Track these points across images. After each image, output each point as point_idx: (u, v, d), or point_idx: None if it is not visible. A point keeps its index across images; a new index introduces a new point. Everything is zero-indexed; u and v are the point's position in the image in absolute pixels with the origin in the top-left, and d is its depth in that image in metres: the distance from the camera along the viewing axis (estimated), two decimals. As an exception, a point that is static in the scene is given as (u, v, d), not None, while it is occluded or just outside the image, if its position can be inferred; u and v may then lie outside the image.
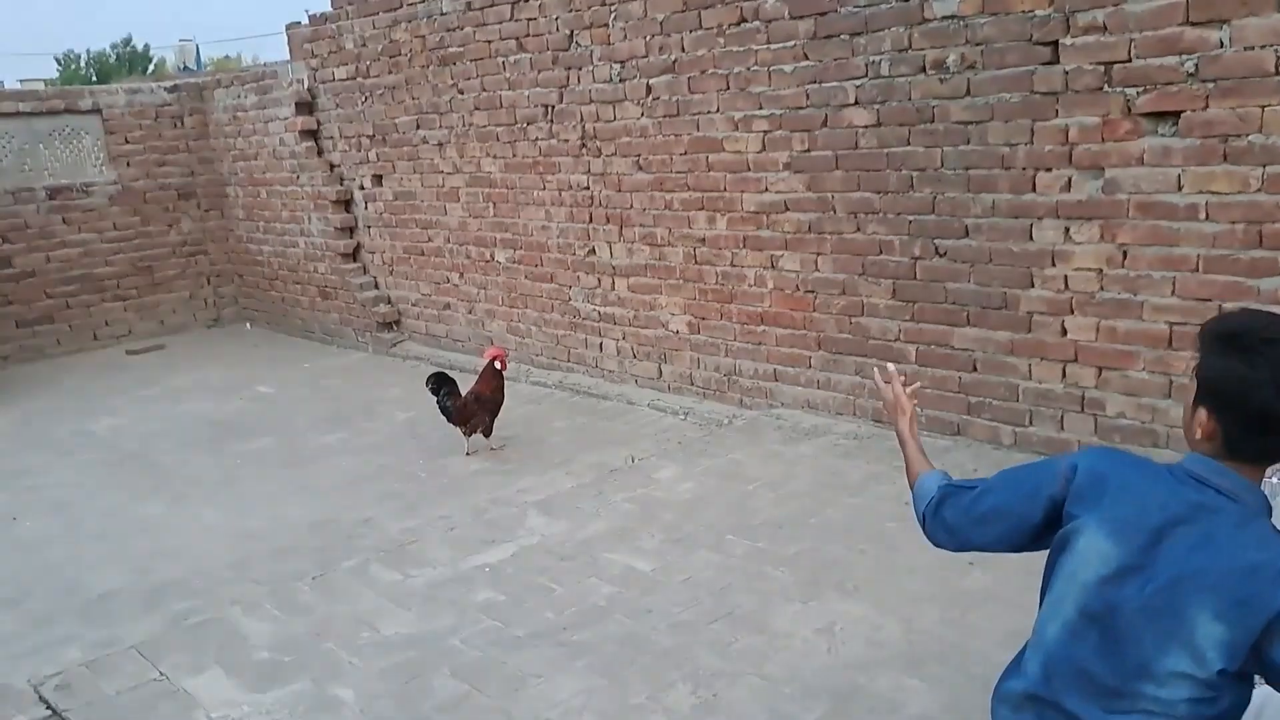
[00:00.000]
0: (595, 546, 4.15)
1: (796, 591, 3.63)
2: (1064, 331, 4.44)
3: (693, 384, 6.21)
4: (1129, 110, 4.04)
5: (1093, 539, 1.87)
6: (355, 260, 8.41)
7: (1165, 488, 1.84)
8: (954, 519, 2.12)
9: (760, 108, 5.31)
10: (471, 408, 5.26)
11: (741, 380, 5.92)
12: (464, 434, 5.32)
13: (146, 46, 51.62)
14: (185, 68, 25.20)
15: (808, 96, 5.09)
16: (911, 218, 4.85)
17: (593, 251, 6.51)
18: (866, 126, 4.91)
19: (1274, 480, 2.57)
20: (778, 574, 3.78)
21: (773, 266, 5.53)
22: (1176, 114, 3.92)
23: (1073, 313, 4.38)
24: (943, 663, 3.08)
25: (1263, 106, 3.70)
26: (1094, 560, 1.87)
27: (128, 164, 9.09)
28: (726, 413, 5.87)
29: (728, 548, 4.05)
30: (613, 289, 6.49)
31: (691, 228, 5.89)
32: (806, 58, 5.06)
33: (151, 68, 46.55)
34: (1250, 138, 3.75)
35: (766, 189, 5.42)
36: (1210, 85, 3.81)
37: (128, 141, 9.08)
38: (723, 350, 5.98)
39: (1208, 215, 3.88)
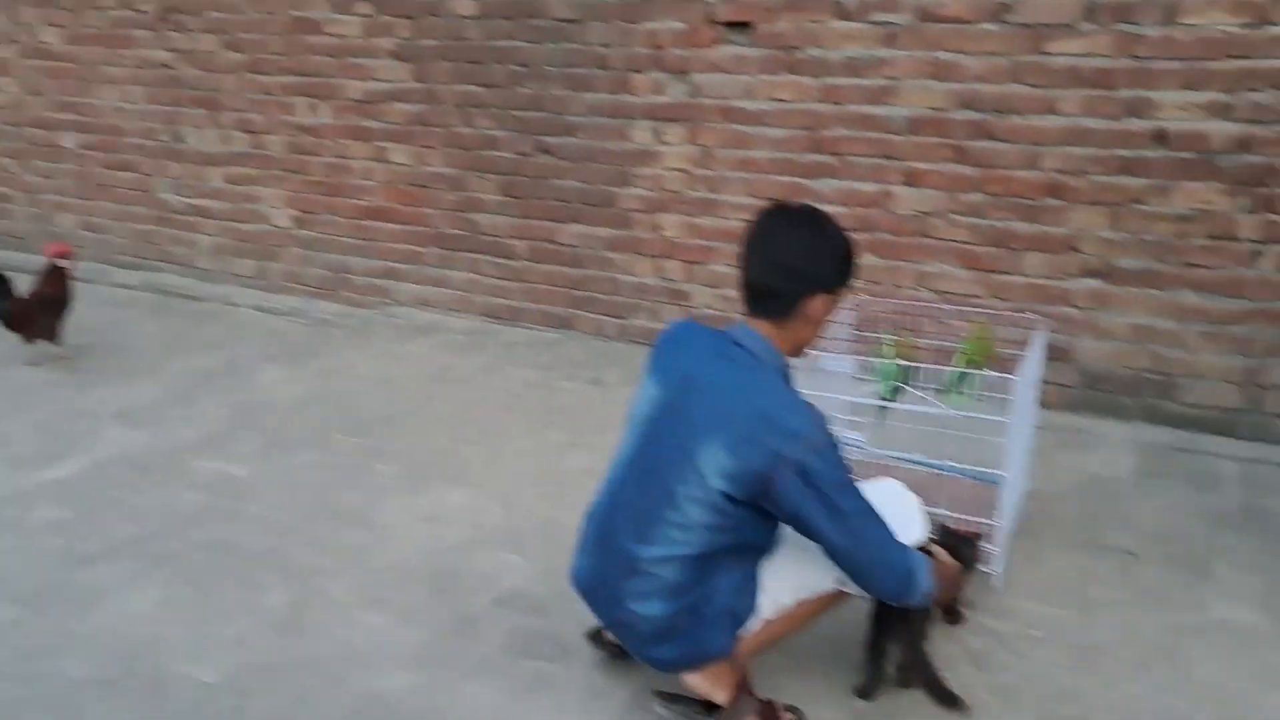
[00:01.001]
0: (184, 455, 3.87)
1: (403, 484, 3.63)
2: (657, 228, 4.72)
3: (301, 283, 5.91)
4: (711, 19, 4.31)
5: (647, 386, 2.19)
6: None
7: (709, 345, 2.14)
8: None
9: (362, -11, 5.06)
10: (31, 311, 4.64)
11: (354, 278, 5.73)
12: (25, 341, 4.69)
13: None
14: None
15: (411, -19, 4.92)
16: (519, 114, 4.89)
17: (180, 138, 5.92)
18: (472, 17, 4.84)
19: (832, 360, 2.94)
20: (384, 468, 3.76)
21: (382, 159, 5.36)
22: (752, 25, 4.24)
23: (665, 211, 4.67)
24: (540, 538, 3.23)
25: (818, 22, 4.10)
26: (644, 403, 2.17)
27: None
28: (339, 312, 5.67)
29: (333, 447, 3.95)
30: (206, 179, 5.97)
31: (292, 115, 5.53)
32: (409, -60, 4.87)
33: None
34: (810, 50, 4.15)
35: (371, 77, 5.20)
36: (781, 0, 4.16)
37: None
38: (332, 246, 5.73)
39: (775, 120, 4.27)
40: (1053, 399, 4.04)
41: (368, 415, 4.24)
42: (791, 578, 2.22)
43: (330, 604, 2.91)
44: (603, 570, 2.22)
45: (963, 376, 2.88)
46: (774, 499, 1.99)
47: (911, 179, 4.08)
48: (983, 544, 2.75)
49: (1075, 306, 3.93)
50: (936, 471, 3.17)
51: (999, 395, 2.81)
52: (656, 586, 2.12)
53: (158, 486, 3.61)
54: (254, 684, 2.57)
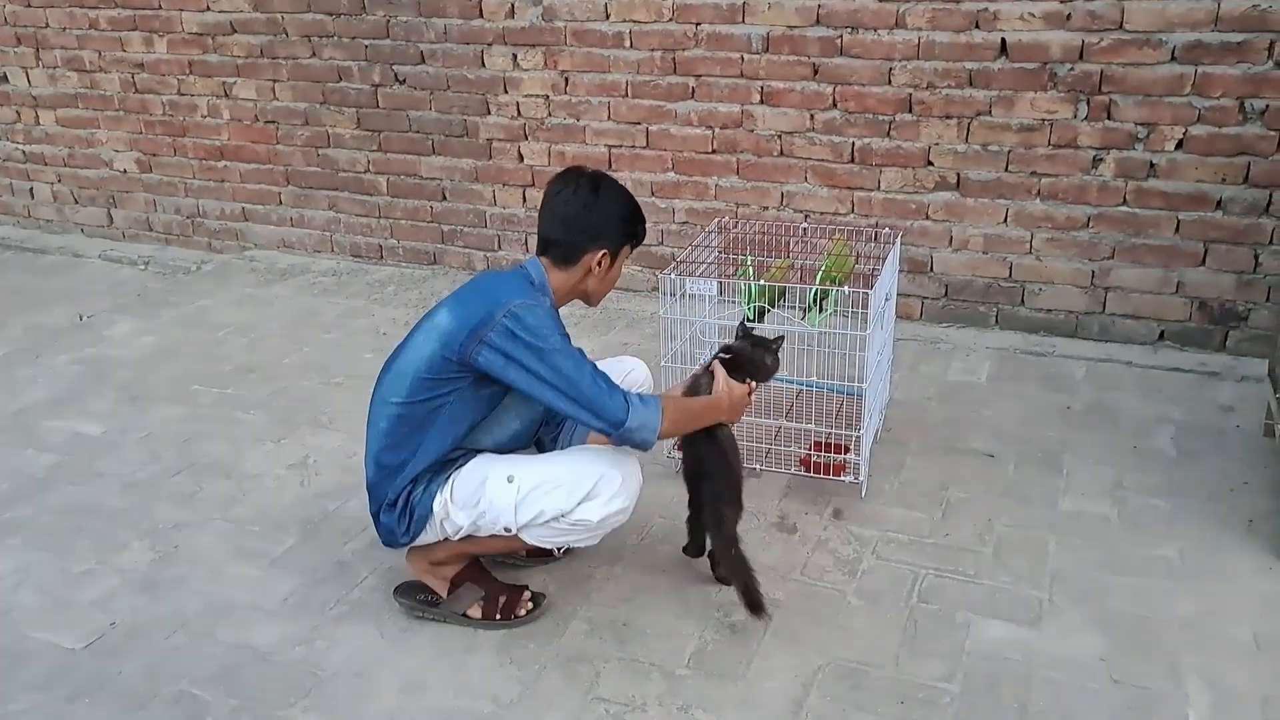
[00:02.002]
0: (32, 416, 3.67)
1: (269, 432, 3.52)
2: (521, 157, 4.63)
3: (151, 229, 5.63)
4: (563, -62, 4.20)
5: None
6: None
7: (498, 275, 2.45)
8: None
9: (191, -88, 4.74)
10: None
11: (207, 222, 5.47)
12: None
13: None
14: None
15: (245, -98, 4.63)
16: (368, 42, 4.69)
17: (4, 78, 5.50)
18: (312, -60, 4.60)
19: (697, 284, 2.95)
20: (248, 417, 3.64)
21: (227, 95, 5.09)
22: (604, -57, 4.15)
23: (527, 139, 4.58)
24: (413, 478, 3.20)
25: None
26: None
27: None
28: (193, 259, 5.42)
29: (193, 399, 3.80)
30: (37, 123, 5.59)
31: (126, 51, 5.19)
32: None
33: None
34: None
35: (208, 7, 4.91)
36: (631, -83, 4.07)
37: None
38: (181, 189, 5.46)
39: (632, 43, 4.21)
40: (915, 311, 4.17)
41: (229, 365, 4.08)
42: (472, 510, 2.34)
43: (195, 559, 2.82)
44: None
45: (823, 294, 2.93)
46: (485, 349, 2.23)
47: (770, 98, 4.09)
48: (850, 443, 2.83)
49: (932, 219, 4.04)
50: (801, 388, 3.24)
51: (859, 311, 2.87)
52: (371, 454, 2.41)
53: (5, 449, 3.42)
54: (119, 646, 2.48)
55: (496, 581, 2.56)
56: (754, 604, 2.40)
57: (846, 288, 2.84)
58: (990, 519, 2.88)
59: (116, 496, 3.14)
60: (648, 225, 2.53)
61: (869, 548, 2.77)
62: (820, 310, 2.97)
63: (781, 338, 2.70)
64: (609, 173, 2.52)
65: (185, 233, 5.54)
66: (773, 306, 2.92)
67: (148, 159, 5.47)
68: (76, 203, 5.75)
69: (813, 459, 3.01)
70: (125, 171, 5.55)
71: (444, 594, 2.53)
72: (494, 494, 2.32)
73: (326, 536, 2.91)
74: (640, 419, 2.27)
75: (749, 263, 3.07)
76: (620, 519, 2.36)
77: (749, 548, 2.50)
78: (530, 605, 2.53)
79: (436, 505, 2.36)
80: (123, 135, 5.46)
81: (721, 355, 2.58)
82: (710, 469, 2.51)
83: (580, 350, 2.33)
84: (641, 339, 4.12)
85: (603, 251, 2.38)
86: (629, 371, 2.70)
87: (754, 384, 2.58)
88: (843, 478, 2.96)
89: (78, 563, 2.81)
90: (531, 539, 2.38)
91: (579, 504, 2.30)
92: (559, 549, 2.47)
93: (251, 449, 3.41)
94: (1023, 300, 4.02)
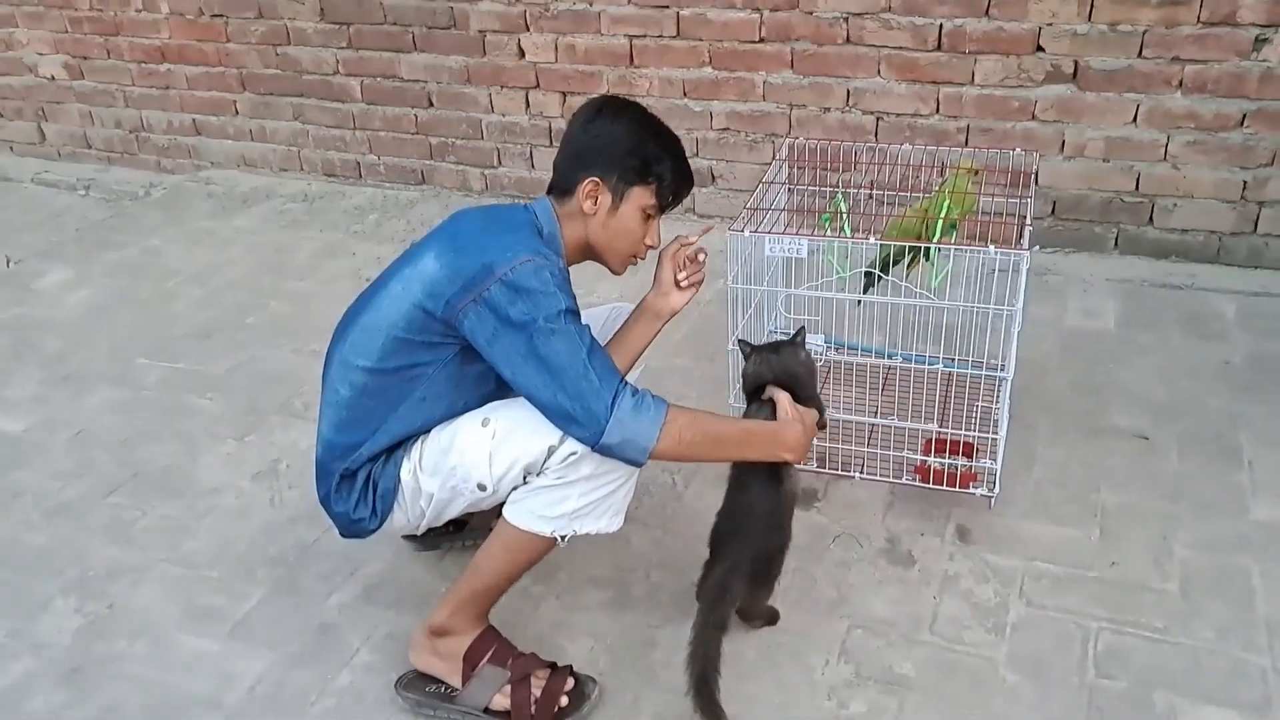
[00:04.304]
0: (-65, 408, 2.98)
1: (229, 425, 2.83)
2: (521, 52, 3.80)
3: (90, 146, 4.82)
4: None
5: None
6: None
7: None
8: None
9: None
10: None
11: (153, 137, 4.66)
12: None
13: None
14: None
15: None
16: (326, -88, 3.80)
17: (-108, -29, 4.60)
18: None
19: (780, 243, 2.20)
20: (204, 404, 2.94)
21: (161, -16, 4.21)
22: None
23: (528, 29, 3.74)
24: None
25: None
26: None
27: None
28: (141, 181, 4.63)
29: (137, 377, 3.09)
30: (-61, 25, 4.71)
31: (33, -68, 4.28)
32: None
33: None
34: None
35: (126, -127, 3.99)
36: None
37: None
38: (121, 99, 4.63)
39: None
40: (1013, 234, 3.41)
41: (181, 328, 3.36)
42: (443, 472, 1.81)
43: (134, 625, 2.16)
44: None
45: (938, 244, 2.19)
46: (476, 309, 1.72)
47: (836, -30, 3.25)
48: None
49: (1039, 120, 3.25)
50: (902, 362, 2.52)
51: (984, 257, 2.13)
52: (322, 427, 1.92)
53: (-107, 465, 2.74)
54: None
55: (524, 656, 1.92)
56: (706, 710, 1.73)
57: (994, 247, 2.09)
58: (1164, 536, 2.22)
59: (37, 529, 2.47)
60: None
61: (1014, 587, 2.11)
62: (934, 265, 2.24)
63: (802, 328, 2.00)
64: (638, 99, 2.05)
65: (129, 150, 4.73)
66: (889, 270, 2.18)
67: (77, 63, 4.61)
68: (1, 116, 4.92)
69: (930, 466, 2.31)
70: (53, 78, 4.71)
71: (459, 682, 1.89)
72: (465, 443, 1.79)
73: (304, 585, 2.25)
74: (624, 432, 1.66)
75: (842, 205, 2.30)
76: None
77: (850, 582, 1.92)
78: (574, 692, 1.89)
79: (405, 474, 1.85)
80: (45, 35, 4.60)
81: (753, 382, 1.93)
82: (750, 526, 1.87)
83: (586, 327, 1.74)
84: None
85: (592, 181, 1.85)
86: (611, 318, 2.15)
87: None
88: (972, 489, 2.28)
89: (-18, 637, 2.16)
90: (519, 516, 1.78)
91: (564, 438, 1.70)
92: (561, 536, 1.79)
93: (208, 451, 2.73)
94: (1151, 219, 3.27)
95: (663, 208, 1.92)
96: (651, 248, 1.97)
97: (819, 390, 2.03)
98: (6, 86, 4.82)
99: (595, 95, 2.04)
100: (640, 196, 1.88)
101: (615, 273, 2.00)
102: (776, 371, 1.93)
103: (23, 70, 4.75)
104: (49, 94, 4.76)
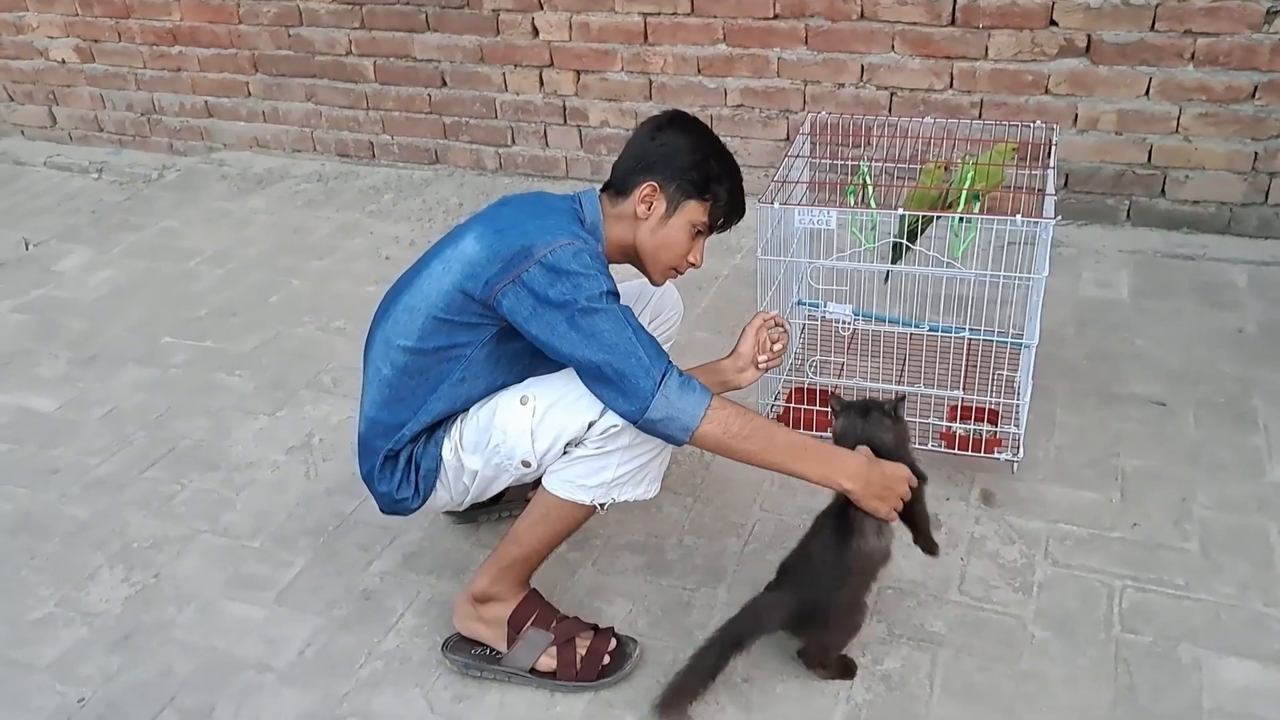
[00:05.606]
0: (-33, 388, 3.02)
1: (260, 401, 2.87)
2: (535, 31, 3.82)
3: (101, 129, 4.83)
4: None
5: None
6: None
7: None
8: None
9: None
10: None
11: (165, 119, 4.68)
12: None
13: None
14: None
15: None
16: (340, -108, 3.81)
17: (-98, -46, 4.60)
18: None
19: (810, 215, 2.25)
20: (233, 380, 2.98)
21: (173, -35, 4.22)
22: None
23: (541, 8, 3.76)
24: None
25: None
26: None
27: None
28: (154, 163, 4.65)
29: (164, 356, 3.13)
30: (-51, 8, 4.71)
31: (44, -86, 4.29)
32: None
33: None
34: None
35: None
36: None
37: None
38: (132, 82, 4.64)
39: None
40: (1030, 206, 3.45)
41: (204, 307, 3.40)
42: (485, 450, 1.86)
43: (181, 593, 2.22)
44: None
45: (965, 216, 2.23)
46: (514, 289, 1.75)
47: (850, -54, 3.28)
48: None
49: (1053, 94, 3.28)
50: (932, 333, 2.57)
51: (1005, 228, 2.18)
52: (366, 405, 1.97)
53: (-70, 443, 2.78)
54: (85, 738, 1.91)
55: (567, 619, 1.97)
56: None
57: (1021, 217, 2.13)
58: (1184, 498, 2.27)
59: (78, 502, 2.51)
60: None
61: (1039, 548, 2.17)
62: (959, 237, 2.28)
63: (902, 398, 1.90)
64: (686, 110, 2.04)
65: (141, 132, 4.75)
66: (916, 239, 2.23)
67: (88, 46, 4.63)
68: (12, 100, 4.93)
69: (955, 432, 2.36)
70: (64, 62, 4.72)
71: (504, 646, 1.95)
72: (506, 421, 1.83)
73: (344, 553, 2.30)
74: (669, 408, 1.69)
75: (866, 174, 2.35)
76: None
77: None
78: (615, 652, 1.95)
79: (447, 452, 1.90)
80: (57, 18, 4.61)
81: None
82: (805, 571, 1.83)
83: (627, 309, 1.76)
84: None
85: (650, 185, 1.88)
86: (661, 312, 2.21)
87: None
88: (997, 455, 2.33)
89: (35, 602, 2.21)
90: (559, 486, 1.83)
91: (604, 412, 1.75)
92: (601, 504, 1.84)
93: (241, 426, 2.77)
94: (1163, 190, 3.31)
95: (712, 227, 1.94)
96: (693, 265, 1.98)
97: (907, 445, 1.89)
98: (18, 70, 4.83)
99: (667, 109, 2.05)
100: (693, 211, 1.90)
101: (654, 283, 2.02)
102: (861, 439, 1.82)
103: (33, 54, 4.76)
104: (60, 77, 4.77)
